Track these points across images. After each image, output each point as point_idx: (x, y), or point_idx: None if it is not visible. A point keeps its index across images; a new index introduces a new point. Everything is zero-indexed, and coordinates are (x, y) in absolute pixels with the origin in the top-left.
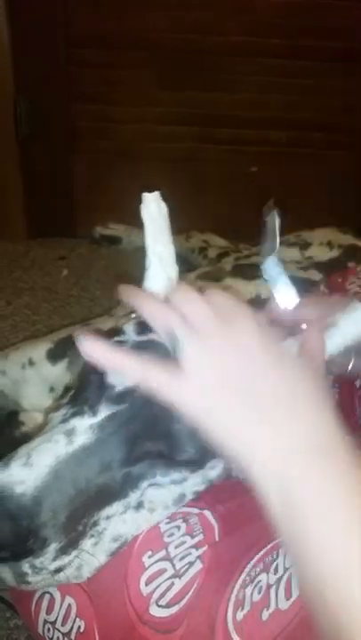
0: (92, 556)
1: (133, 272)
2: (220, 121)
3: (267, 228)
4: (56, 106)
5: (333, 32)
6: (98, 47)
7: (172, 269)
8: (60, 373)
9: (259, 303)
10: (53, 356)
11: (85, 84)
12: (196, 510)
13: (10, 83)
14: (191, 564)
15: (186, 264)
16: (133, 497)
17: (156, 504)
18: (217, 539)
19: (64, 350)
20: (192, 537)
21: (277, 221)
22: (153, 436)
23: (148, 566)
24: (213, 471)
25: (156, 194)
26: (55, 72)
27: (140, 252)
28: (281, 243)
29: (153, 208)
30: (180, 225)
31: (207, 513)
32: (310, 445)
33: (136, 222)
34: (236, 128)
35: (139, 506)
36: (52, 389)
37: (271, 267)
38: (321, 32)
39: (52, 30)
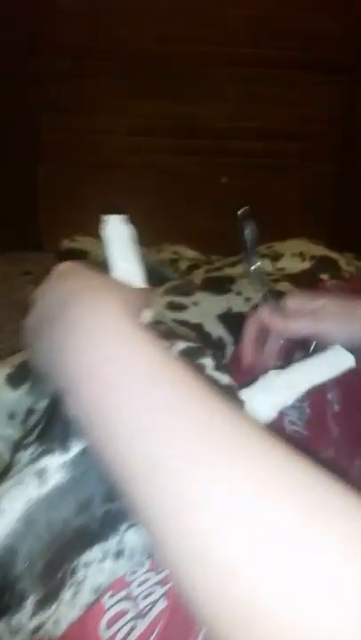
0: (72, 608)
1: None
2: (192, 132)
3: (245, 240)
4: (22, 116)
5: (304, 42)
6: (67, 56)
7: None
8: (20, 398)
9: (230, 317)
10: (13, 380)
11: (54, 93)
12: None
13: None
14: (155, 602)
15: (157, 277)
16: (113, 542)
17: (136, 549)
18: None
19: (25, 374)
20: (157, 573)
21: (254, 233)
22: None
23: (109, 608)
24: None
25: (117, 215)
26: (22, 81)
27: (107, 265)
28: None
29: (114, 229)
30: (152, 238)
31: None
32: None
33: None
34: (209, 139)
35: (118, 554)
36: (11, 416)
37: (255, 280)
38: (292, 41)
39: (20, 38)
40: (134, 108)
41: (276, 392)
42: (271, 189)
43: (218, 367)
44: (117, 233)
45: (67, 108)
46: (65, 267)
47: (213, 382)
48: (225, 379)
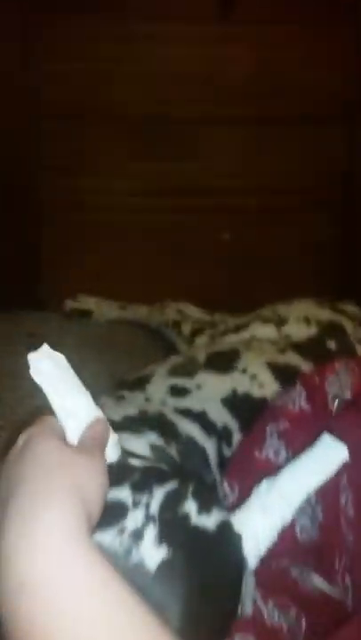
0: None
1: (108, 348)
2: (192, 190)
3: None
4: (23, 177)
5: (295, 97)
6: (66, 118)
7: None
8: None
9: (235, 400)
10: None
11: (53, 155)
12: None
13: None
14: None
15: (162, 341)
16: None
17: None
18: None
19: None
20: None
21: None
22: None
23: None
24: None
25: (43, 348)
26: (22, 143)
27: (112, 326)
28: (256, 318)
29: (45, 366)
30: (155, 296)
31: None
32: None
33: (107, 295)
34: (208, 197)
35: None
36: None
37: None
38: (291, 96)
39: (20, 100)
40: (134, 168)
41: (272, 511)
42: (272, 244)
43: (202, 507)
44: (47, 368)
45: (66, 168)
46: (32, 436)
47: (200, 536)
48: (213, 518)
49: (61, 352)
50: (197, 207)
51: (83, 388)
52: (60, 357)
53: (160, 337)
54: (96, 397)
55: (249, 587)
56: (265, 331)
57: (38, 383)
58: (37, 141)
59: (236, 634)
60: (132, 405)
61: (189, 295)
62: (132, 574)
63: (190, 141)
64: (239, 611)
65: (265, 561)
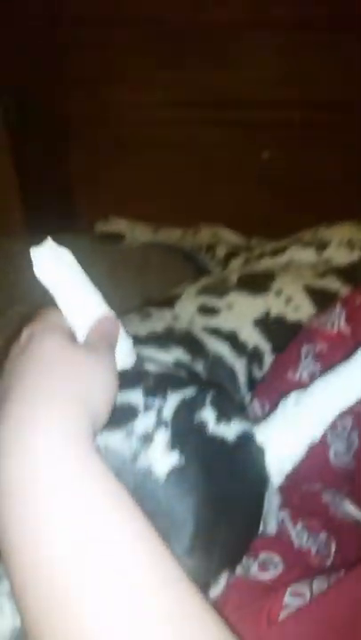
0: None
1: (140, 271)
2: (226, 102)
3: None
4: (47, 92)
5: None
6: (90, 26)
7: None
8: None
9: (268, 322)
10: None
11: (78, 67)
12: None
13: None
14: None
15: (194, 262)
16: None
17: None
18: None
19: None
20: None
21: None
22: None
23: None
24: (217, 588)
25: (47, 242)
26: (44, 55)
27: (145, 249)
28: (295, 242)
29: (50, 263)
30: (188, 217)
31: None
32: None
33: (139, 215)
34: (244, 109)
35: None
36: None
37: None
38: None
39: (40, 9)
40: (164, 79)
41: (299, 425)
42: (313, 163)
43: (221, 416)
44: (52, 265)
45: (93, 82)
46: (36, 331)
47: (218, 445)
48: (234, 429)
49: (93, 276)
50: (233, 121)
51: (91, 286)
52: (64, 252)
53: (193, 261)
54: (125, 317)
55: (273, 505)
56: (304, 254)
57: (41, 279)
58: (63, 52)
59: (260, 552)
60: (158, 322)
61: (223, 217)
62: (140, 480)
63: (223, 49)
64: (260, 529)
65: (296, 482)
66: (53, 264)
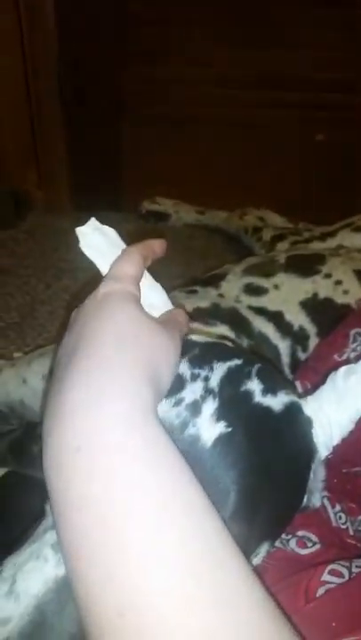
0: None
1: (183, 252)
2: (286, 82)
3: None
4: (102, 67)
5: None
6: (146, 2)
7: (155, 294)
8: None
9: (315, 304)
10: None
11: (134, 42)
12: None
13: (52, 43)
14: None
15: (238, 244)
16: None
17: None
18: None
19: None
20: None
21: None
22: None
23: None
24: (257, 558)
25: (91, 222)
26: (101, 30)
27: (189, 230)
28: (346, 226)
29: (95, 240)
30: (238, 198)
31: None
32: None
33: (188, 194)
34: (303, 90)
35: None
36: None
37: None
38: None
39: None
40: (222, 56)
41: (348, 398)
42: None
43: (267, 388)
44: (98, 241)
45: (148, 57)
46: (113, 292)
47: (264, 414)
48: (278, 401)
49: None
50: (291, 102)
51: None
52: (110, 230)
53: (238, 243)
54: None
55: (318, 476)
56: (355, 239)
57: (88, 256)
58: (114, 28)
59: (298, 529)
60: (204, 299)
61: (274, 199)
62: (187, 447)
63: (285, 26)
64: (305, 501)
65: (335, 464)
66: (98, 242)
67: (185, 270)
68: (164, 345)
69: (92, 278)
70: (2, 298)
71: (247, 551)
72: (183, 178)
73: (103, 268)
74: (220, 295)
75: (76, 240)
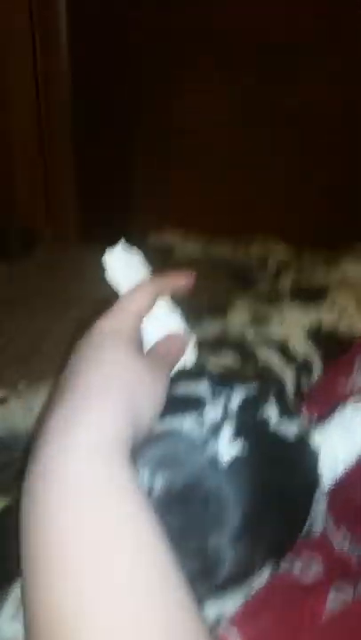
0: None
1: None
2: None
3: None
4: (115, 103)
5: None
6: (163, 37)
7: (174, 320)
8: None
9: (320, 333)
10: None
11: (149, 75)
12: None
13: (66, 80)
14: None
15: (244, 274)
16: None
17: None
18: None
19: None
20: None
21: None
22: (183, 555)
23: None
24: (260, 579)
25: (120, 246)
26: (118, 66)
27: (193, 266)
28: (348, 254)
29: (120, 267)
30: (246, 228)
31: (230, 632)
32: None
33: (199, 224)
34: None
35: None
36: None
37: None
38: None
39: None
40: (232, 93)
41: (354, 432)
42: None
43: (282, 413)
44: (123, 267)
45: (165, 87)
46: (105, 329)
47: (279, 443)
48: (292, 428)
49: None
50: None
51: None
52: (137, 256)
53: (244, 273)
54: None
55: (321, 506)
56: (359, 268)
57: (111, 282)
58: (135, 59)
59: (304, 552)
60: (211, 328)
61: (282, 229)
62: (206, 465)
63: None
64: (306, 528)
65: (341, 489)
66: (125, 266)
67: (188, 305)
68: (148, 386)
69: (101, 308)
70: (11, 329)
71: (250, 571)
72: (190, 212)
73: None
74: (227, 324)
75: (81, 267)
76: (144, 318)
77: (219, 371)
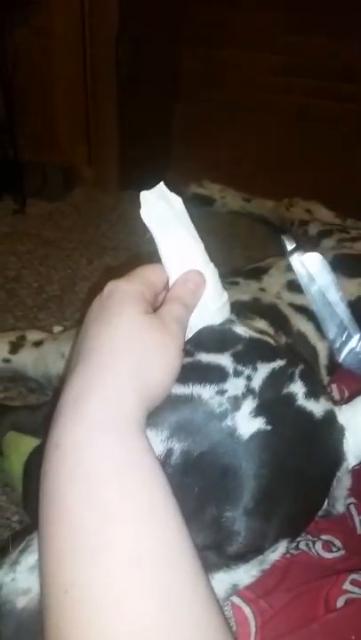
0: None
1: (225, 239)
2: (345, 74)
3: None
4: (161, 46)
5: None
6: None
7: (205, 273)
8: None
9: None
10: None
11: (195, 24)
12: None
13: (112, 19)
14: None
15: (281, 238)
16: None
17: None
18: None
19: None
20: None
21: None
22: (198, 525)
23: None
24: (274, 554)
25: (160, 187)
26: (163, 9)
27: (233, 217)
28: None
29: (157, 208)
30: (288, 189)
31: (244, 607)
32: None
33: (234, 181)
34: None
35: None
36: None
37: None
38: None
39: None
40: (282, 43)
41: None
42: None
43: (309, 391)
44: (161, 210)
45: (208, 40)
46: (115, 293)
47: (305, 419)
48: (319, 406)
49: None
50: (349, 95)
51: (195, 236)
52: (175, 199)
53: (281, 240)
54: None
55: (344, 484)
56: None
57: (147, 224)
58: (177, 8)
59: (323, 533)
60: (245, 292)
61: (321, 193)
62: (223, 436)
63: (349, 14)
64: (328, 507)
65: None
66: (161, 208)
67: (225, 258)
68: (159, 345)
69: (133, 257)
70: (45, 270)
71: (263, 545)
72: (233, 163)
73: (160, 240)
74: (262, 289)
75: (121, 216)
76: (164, 250)
77: (252, 334)
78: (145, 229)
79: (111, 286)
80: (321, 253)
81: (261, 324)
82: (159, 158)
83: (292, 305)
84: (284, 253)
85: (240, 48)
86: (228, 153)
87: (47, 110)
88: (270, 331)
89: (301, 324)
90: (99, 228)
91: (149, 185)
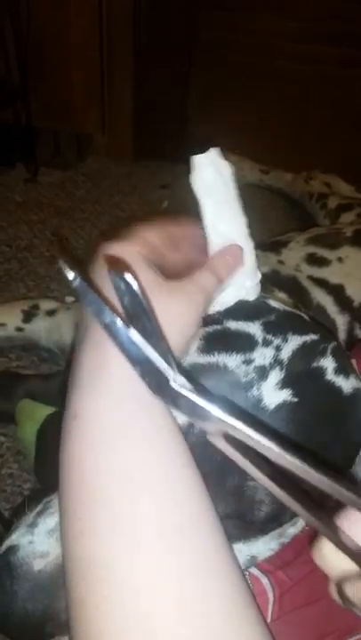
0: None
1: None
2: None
3: None
4: (176, 11)
5: None
6: None
7: (245, 249)
8: None
9: None
10: None
11: None
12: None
13: None
14: None
15: (301, 209)
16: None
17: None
18: (269, 615)
19: None
20: None
21: None
22: (219, 495)
23: None
24: (294, 528)
25: (213, 153)
26: None
27: (251, 189)
28: None
29: (208, 174)
30: (303, 161)
31: (262, 578)
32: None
33: (252, 153)
34: None
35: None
36: None
37: None
38: None
39: None
40: (305, 9)
41: None
42: None
43: (340, 368)
44: (211, 176)
45: (227, 4)
46: (122, 255)
47: (334, 393)
48: (348, 383)
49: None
50: None
51: (240, 207)
52: (225, 166)
53: (301, 208)
54: None
55: None
56: None
57: (195, 191)
58: None
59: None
60: (264, 265)
61: (340, 165)
62: (248, 406)
63: None
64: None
65: None
66: (212, 175)
67: None
68: (176, 308)
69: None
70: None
71: (284, 517)
72: (251, 132)
73: (206, 207)
74: (281, 262)
75: (134, 187)
76: (210, 220)
77: (286, 308)
78: (192, 195)
79: (104, 250)
80: (342, 228)
81: (280, 296)
82: (175, 126)
83: (311, 278)
84: (300, 226)
85: (259, 14)
86: (247, 121)
87: (62, 76)
88: (289, 302)
89: (321, 298)
90: (111, 198)
91: (165, 154)
